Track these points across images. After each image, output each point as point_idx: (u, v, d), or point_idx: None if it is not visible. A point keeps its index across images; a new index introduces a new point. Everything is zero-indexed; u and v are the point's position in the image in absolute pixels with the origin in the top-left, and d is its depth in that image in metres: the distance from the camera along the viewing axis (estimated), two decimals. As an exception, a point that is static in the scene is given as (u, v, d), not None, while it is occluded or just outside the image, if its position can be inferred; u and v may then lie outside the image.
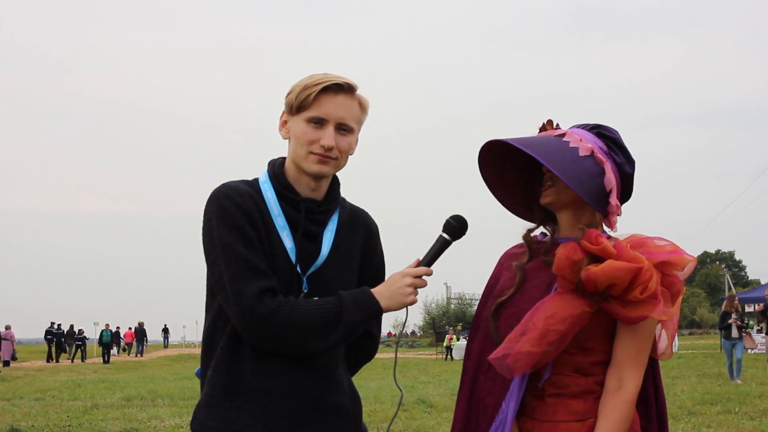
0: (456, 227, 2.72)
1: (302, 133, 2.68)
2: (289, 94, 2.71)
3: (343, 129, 2.71)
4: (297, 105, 2.67)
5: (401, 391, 3.00)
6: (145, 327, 55.36)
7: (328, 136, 2.68)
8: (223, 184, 2.69)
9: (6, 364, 37.47)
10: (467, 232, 2.75)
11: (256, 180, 2.77)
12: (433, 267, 2.70)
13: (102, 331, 44.98)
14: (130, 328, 56.59)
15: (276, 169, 2.77)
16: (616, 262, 2.43)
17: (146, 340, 55.99)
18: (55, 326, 45.30)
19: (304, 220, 2.71)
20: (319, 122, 2.67)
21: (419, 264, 2.69)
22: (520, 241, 2.83)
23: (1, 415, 14.64)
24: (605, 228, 2.67)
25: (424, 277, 2.68)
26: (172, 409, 15.45)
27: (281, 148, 2.83)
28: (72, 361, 44.22)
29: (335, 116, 2.68)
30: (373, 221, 2.98)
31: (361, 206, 2.99)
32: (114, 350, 46.54)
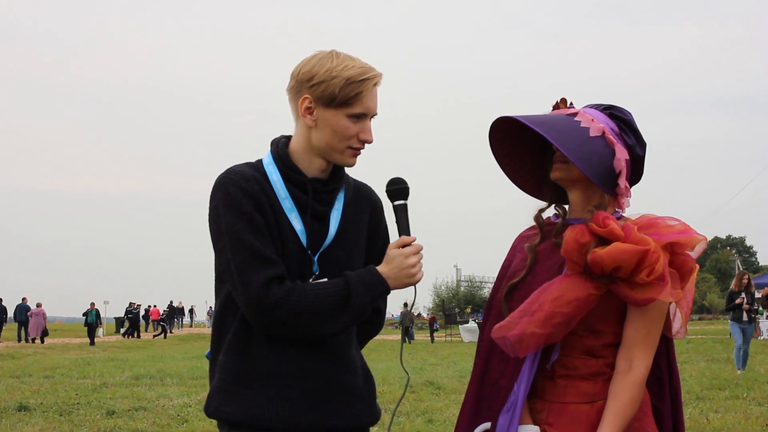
0: (397, 190, 2.73)
1: (345, 128, 2.63)
2: (320, 83, 2.60)
3: (372, 117, 2.70)
4: (340, 100, 2.60)
5: (407, 373, 3.00)
6: (178, 306, 55.39)
7: (368, 131, 2.68)
8: (229, 170, 2.66)
9: (34, 340, 38.30)
10: (409, 190, 2.75)
11: (260, 162, 2.74)
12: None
13: (87, 310, 42.26)
14: (155, 306, 56.73)
15: (280, 150, 2.73)
16: (622, 245, 2.43)
17: (180, 319, 56.21)
18: (134, 306, 49.29)
19: (312, 201, 2.70)
20: (360, 117, 2.65)
21: (401, 235, 2.69)
22: (533, 223, 2.83)
23: (11, 392, 14.70)
24: (616, 209, 2.66)
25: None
26: (180, 388, 15.51)
27: (290, 127, 2.80)
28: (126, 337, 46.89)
29: (373, 110, 2.68)
30: (378, 196, 2.95)
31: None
32: (99, 331, 44.34)
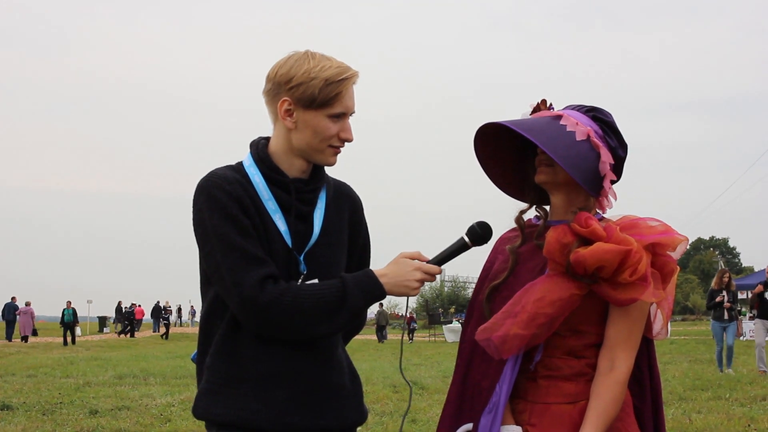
0: (479, 234, 2.69)
1: (325, 128, 2.63)
2: (299, 84, 2.59)
3: (350, 115, 2.70)
4: (320, 101, 2.60)
5: (409, 385, 3.00)
6: (165, 305, 55.05)
7: (348, 130, 2.68)
8: (211, 173, 2.65)
9: (25, 339, 38.06)
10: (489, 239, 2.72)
11: (241, 164, 2.73)
12: (424, 248, 2.69)
13: (63, 309, 39.93)
14: (139, 305, 56.60)
15: (260, 151, 2.72)
16: (604, 245, 2.45)
17: (165, 318, 56.15)
18: (131, 306, 50.00)
19: (295, 201, 2.70)
20: (339, 116, 2.65)
21: (433, 259, 2.67)
22: (514, 225, 2.83)
23: (-7, 391, 14.64)
24: (597, 210, 2.67)
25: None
26: (163, 387, 15.47)
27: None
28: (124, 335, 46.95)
29: (352, 108, 2.68)
30: (357, 195, 2.96)
31: (352, 185, 2.97)
32: (78, 330, 41.94)
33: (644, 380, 2.73)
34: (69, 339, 38.15)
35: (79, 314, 44.60)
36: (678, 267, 2.59)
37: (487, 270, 2.86)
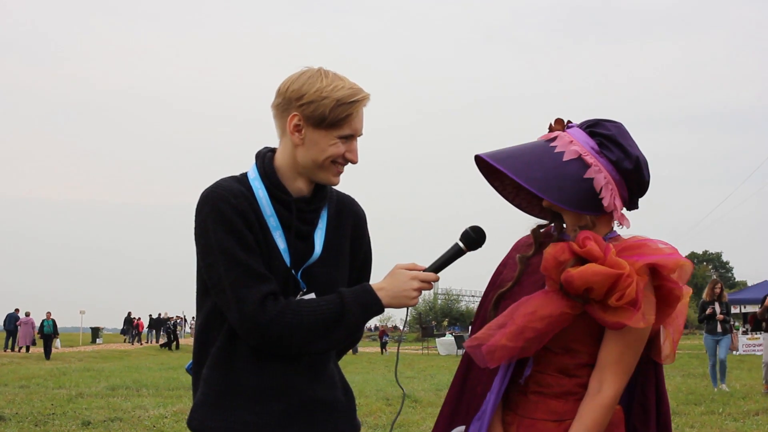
0: (473, 238, 2.70)
1: (332, 148, 2.63)
2: (310, 102, 2.59)
3: (358, 137, 2.71)
4: (330, 121, 2.59)
5: (403, 390, 3.00)
6: (164, 317, 55.01)
7: (355, 152, 2.69)
8: (216, 184, 2.65)
9: (20, 349, 38.13)
10: (483, 245, 2.72)
11: (245, 176, 2.73)
12: (417, 260, 2.70)
13: (43, 320, 37.31)
14: (140, 318, 56.43)
15: (266, 166, 2.71)
16: (595, 267, 2.41)
17: (164, 330, 56.34)
18: (172, 320, 51.30)
19: (296, 220, 2.69)
20: (348, 138, 2.65)
21: (429, 267, 2.68)
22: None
23: (-15, 402, 14.59)
24: (615, 226, 2.63)
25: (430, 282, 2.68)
26: (156, 399, 15.43)
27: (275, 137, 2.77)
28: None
29: (360, 130, 2.68)
30: (361, 208, 2.96)
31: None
32: (57, 343, 40.10)
33: (649, 405, 2.67)
34: (54, 351, 36.75)
35: (72, 325, 44.16)
36: (683, 291, 2.52)
37: (497, 273, 2.84)
